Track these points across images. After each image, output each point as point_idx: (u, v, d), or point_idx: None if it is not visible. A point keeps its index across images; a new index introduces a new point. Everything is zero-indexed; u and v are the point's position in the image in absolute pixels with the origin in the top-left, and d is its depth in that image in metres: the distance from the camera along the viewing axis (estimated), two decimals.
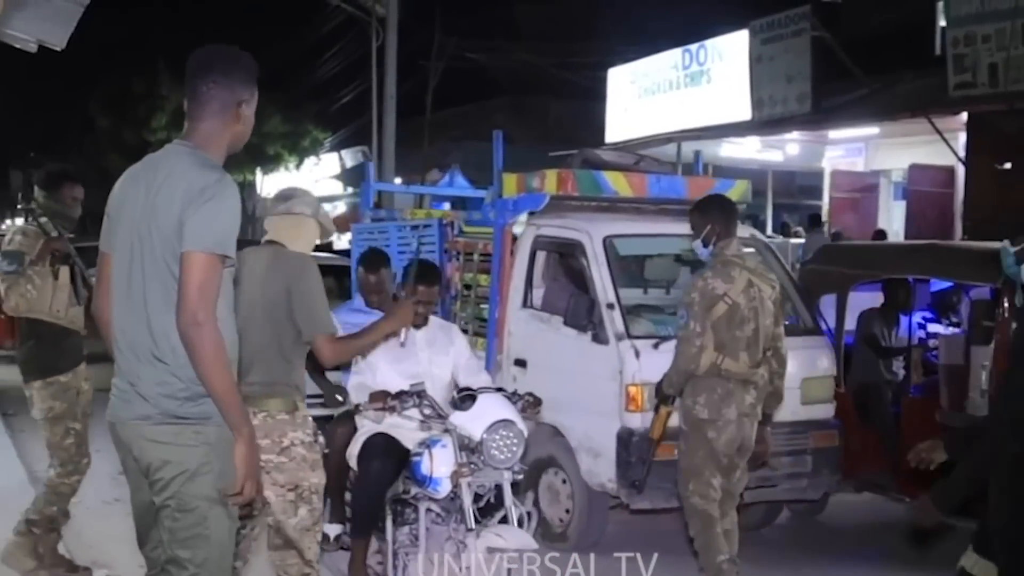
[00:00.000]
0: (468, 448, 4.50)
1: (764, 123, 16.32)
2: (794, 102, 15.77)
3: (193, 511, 3.19)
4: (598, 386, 6.46)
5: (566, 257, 7.32)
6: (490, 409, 4.56)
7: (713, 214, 5.66)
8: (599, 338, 6.49)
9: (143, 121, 31.54)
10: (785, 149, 18.00)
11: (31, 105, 46.75)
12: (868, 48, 15.01)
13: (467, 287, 7.72)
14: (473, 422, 4.51)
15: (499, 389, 4.84)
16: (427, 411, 4.62)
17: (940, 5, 14.15)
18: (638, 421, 6.22)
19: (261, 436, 4.14)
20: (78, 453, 5.68)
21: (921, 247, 8.47)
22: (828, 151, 17.52)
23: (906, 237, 14.41)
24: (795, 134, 16.89)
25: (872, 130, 15.89)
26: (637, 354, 6.31)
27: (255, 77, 3.44)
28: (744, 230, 7.33)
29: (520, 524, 4.52)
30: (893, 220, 16.18)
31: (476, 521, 4.44)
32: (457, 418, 4.56)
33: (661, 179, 7.57)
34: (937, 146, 14.04)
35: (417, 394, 4.61)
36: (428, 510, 4.71)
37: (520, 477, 4.58)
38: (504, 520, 4.50)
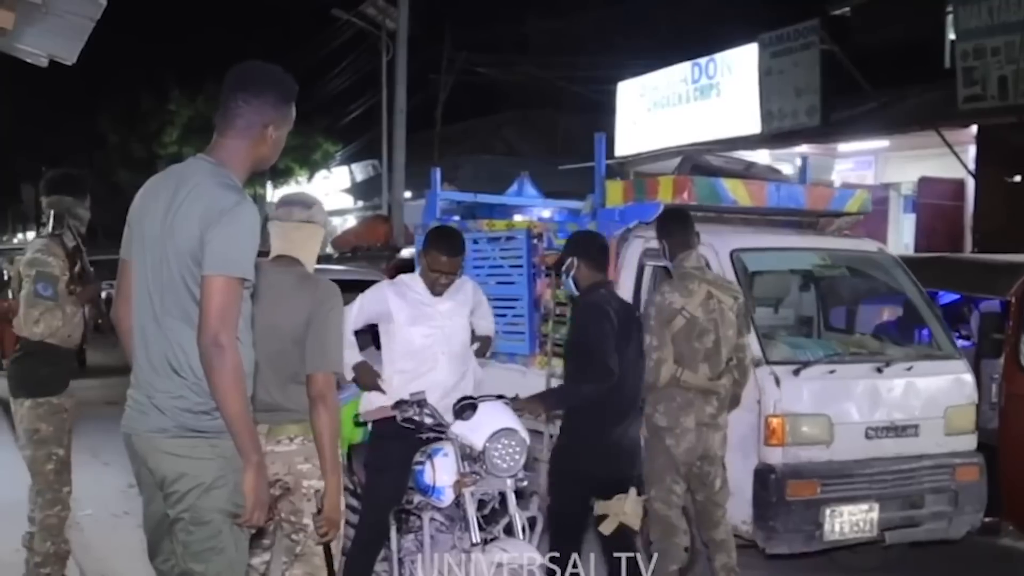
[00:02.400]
0: (470, 457, 4.51)
1: (773, 136, 16.32)
2: (803, 115, 15.77)
3: (208, 524, 3.20)
4: (730, 417, 5.79)
5: None
6: (491, 418, 4.55)
7: (669, 227, 5.73)
8: None
9: (153, 136, 31.71)
10: (794, 162, 17.98)
11: (42, 120, 46.98)
12: (877, 61, 15.00)
13: (560, 305, 7.07)
14: (474, 431, 4.50)
15: (499, 396, 4.82)
16: (428, 420, 4.61)
17: (949, 18, 14.15)
18: (779, 456, 5.77)
19: (301, 460, 4.24)
20: (58, 481, 5.37)
21: (931, 260, 8.45)
22: (837, 164, 17.47)
23: (916, 250, 14.37)
24: (804, 147, 16.85)
25: (882, 143, 15.86)
26: (777, 381, 5.79)
27: (290, 100, 3.40)
28: (870, 244, 7.13)
29: (524, 532, 4.53)
30: (903, 233, 16.14)
31: (481, 528, 4.44)
32: (458, 427, 4.55)
33: (781, 187, 7.05)
34: (947, 159, 14.01)
35: (417, 403, 4.61)
36: (432, 519, 4.71)
37: (524, 484, 4.57)
38: (509, 526, 4.51)
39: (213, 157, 3.31)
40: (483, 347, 5.63)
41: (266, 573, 4.61)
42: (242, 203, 3.18)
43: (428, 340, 5.14)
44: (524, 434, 4.58)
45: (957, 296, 8.22)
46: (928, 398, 6.19)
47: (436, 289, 5.19)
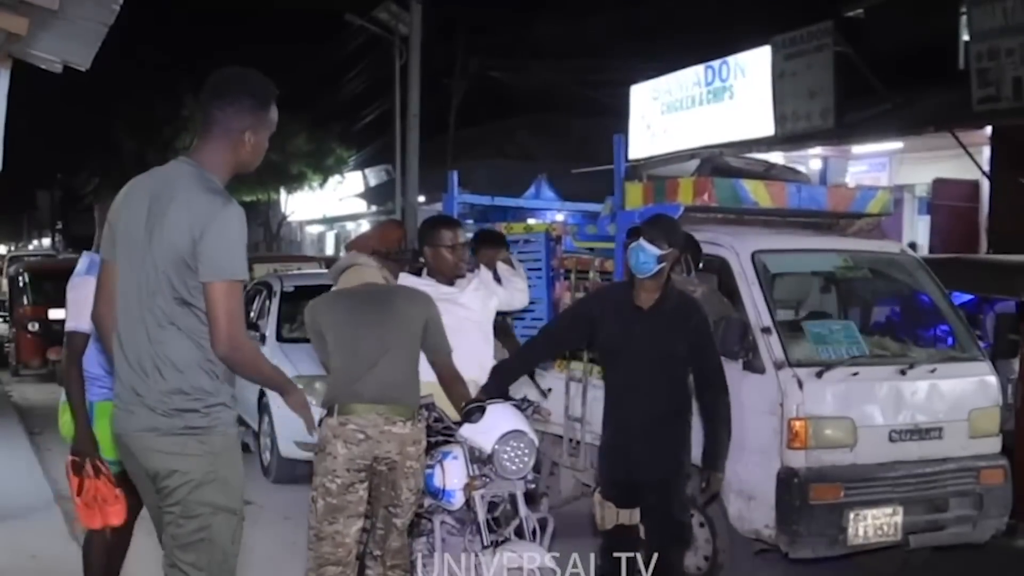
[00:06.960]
0: (480, 460, 4.52)
1: (787, 139, 16.28)
2: (817, 117, 15.73)
3: (196, 518, 3.31)
4: (753, 420, 5.79)
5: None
6: (500, 420, 4.57)
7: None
8: (753, 366, 5.87)
9: (168, 143, 31.81)
10: (808, 165, 17.95)
11: (57, 127, 47.17)
12: (891, 63, 14.96)
13: None
14: (483, 434, 4.54)
15: (508, 398, 4.84)
16: (436, 424, 4.65)
17: (963, 19, 14.10)
18: (802, 460, 5.67)
19: (410, 443, 4.54)
20: None
21: (946, 261, 8.42)
22: (852, 166, 17.42)
23: (931, 252, 14.33)
24: (818, 149, 16.83)
25: (896, 145, 15.81)
26: (800, 384, 5.71)
27: (267, 105, 3.44)
28: (893, 245, 7.10)
29: (535, 534, 4.54)
30: (918, 235, 16.08)
31: (491, 530, 4.46)
32: (467, 430, 4.58)
33: (802, 189, 6.96)
34: (961, 160, 13.96)
35: (426, 407, 4.63)
36: (443, 522, 4.73)
37: (533, 486, 4.58)
38: (520, 528, 4.52)
39: (194, 159, 3.38)
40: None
41: (361, 541, 4.70)
42: (228, 205, 3.26)
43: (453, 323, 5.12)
44: (533, 436, 4.60)
45: (971, 297, 8.19)
46: (952, 400, 6.10)
47: (460, 270, 5.46)
